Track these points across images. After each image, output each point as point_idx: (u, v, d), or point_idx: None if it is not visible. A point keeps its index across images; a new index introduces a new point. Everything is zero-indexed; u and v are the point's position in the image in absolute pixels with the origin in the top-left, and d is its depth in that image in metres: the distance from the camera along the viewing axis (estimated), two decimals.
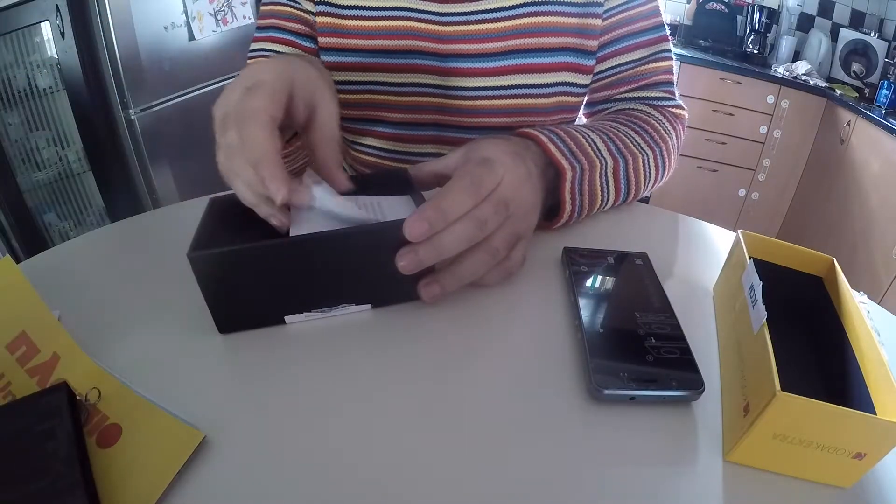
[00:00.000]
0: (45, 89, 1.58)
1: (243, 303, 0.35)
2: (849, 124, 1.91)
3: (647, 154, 0.52)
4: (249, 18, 1.92)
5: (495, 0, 0.54)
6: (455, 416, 0.31)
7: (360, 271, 0.36)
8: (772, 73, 2.17)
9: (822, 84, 2.09)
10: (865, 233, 1.81)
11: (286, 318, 0.36)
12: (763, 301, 0.31)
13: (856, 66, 2.13)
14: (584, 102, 0.62)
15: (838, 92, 2.03)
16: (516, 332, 0.38)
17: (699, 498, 0.27)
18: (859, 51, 2.13)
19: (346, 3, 0.56)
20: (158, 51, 1.65)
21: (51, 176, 1.66)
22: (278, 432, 0.30)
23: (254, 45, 0.61)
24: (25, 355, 0.30)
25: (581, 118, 0.65)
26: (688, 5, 2.48)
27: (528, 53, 0.55)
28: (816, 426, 0.26)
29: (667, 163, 0.55)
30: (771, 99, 2.14)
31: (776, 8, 2.31)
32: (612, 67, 0.59)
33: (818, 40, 2.23)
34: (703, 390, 0.32)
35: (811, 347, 0.37)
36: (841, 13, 2.28)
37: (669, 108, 0.59)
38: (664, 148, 0.54)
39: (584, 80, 0.58)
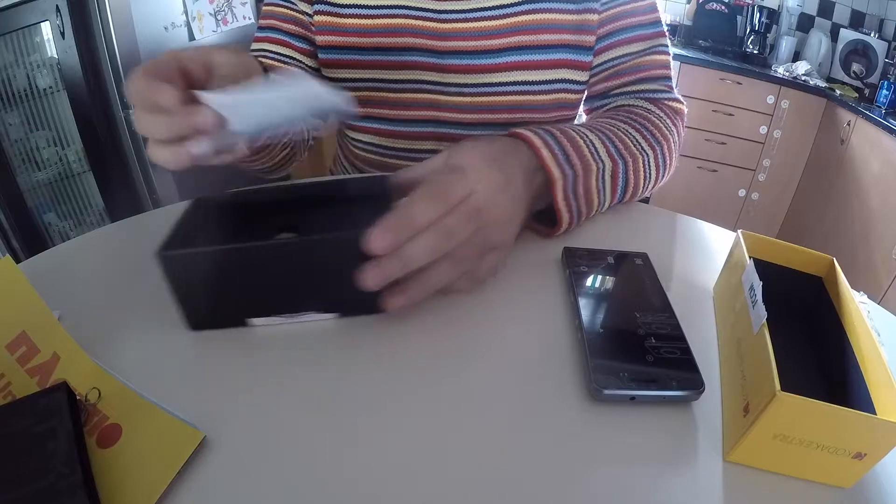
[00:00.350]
0: (45, 89, 1.57)
1: (209, 303, 0.36)
2: (849, 124, 1.91)
3: (647, 154, 0.51)
4: (249, 19, 1.91)
5: None
6: (455, 415, 0.31)
7: (323, 280, 0.35)
8: (772, 73, 2.17)
9: (822, 84, 2.09)
10: (865, 233, 1.81)
11: (250, 320, 0.36)
12: (763, 301, 0.31)
13: (856, 67, 2.13)
14: (584, 98, 0.62)
15: (838, 92, 2.03)
16: (516, 332, 0.38)
17: (699, 498, 0.27)
18: (859, 51, 2.13)
19: (344, 1, 0.56)
20: (158, 51, 1.61)
21: (51, 176, 1.66)
22: (279, 432, 0.30)
23: (254, 45, 0.61)
24: (25, 355, 0.30)
25: (582, 115, 0.65)
26: (688, 5, 2.48)
27: (526, 50, 0.55)
28: (816, 426, 0.26)
29: (668, 161, 0.55)
30: (771, 99, 2.14)
31: (776, 8, 2.31)
32: (610, 60, 0.58)
33: (818, 40, 2.23)
34: (703, 390, 0.32)
35: (811, 347, 0.37)
36: (841, 13, 2.28)
37: (669, 103, 0.59)
38: (665, 146, 0.54)
39: (582, 76, 0.58)
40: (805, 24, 2.34)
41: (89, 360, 0.32)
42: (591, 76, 0.59)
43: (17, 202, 1.59)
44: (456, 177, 0.37)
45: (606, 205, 0.50)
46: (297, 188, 0.43)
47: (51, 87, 1.58)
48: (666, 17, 2.48)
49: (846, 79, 2.17)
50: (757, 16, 2.29)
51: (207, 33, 1.79)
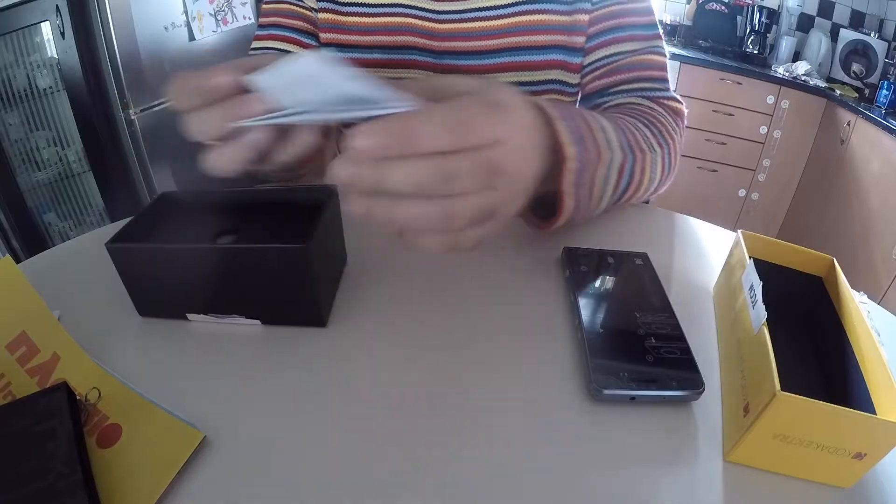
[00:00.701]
0: (45, 89, 1.58)
1: (151, 294, 0.37)
2: (849, 124, 1.91)
3: (655, 152, 0.49)
4: (249, 19, 1.92)
5: None
6: (455, 415, 0.31)
7: (248, 286, 0.36)
8: (772, 73, 2.17)
9: (822, 84, 2.09)
10: (865, 233, 1.81)
11: (188, 315, 0.37)
12: (763, 301, 0.31)
13: (856, 67, 2.13)
14: (579, 98, 0.62)
15: (838, 92, 2.03)
16: (516, 331, 0.38)
17: (699, 498, 0.27)
18: (859, 51, 2.13)
19: None
20: (158, 51, 1.64)
21: (51, 176, 1.66)
22: (278, 432, 0.30)
23: (255, 44, 0.61)
24: (25, 355, 0.30)
25: None
26: (688, 5, 2.48)
27: (520, 51, 0.56)
28: (816, 426, 0.26)
29: (672, 164, 0.54)
30: (771, 99, 2.14)
31: (776, 8, 2.31)
32: (604, 57, 0.58)
33: (818, 40, 2.23)
34: (703, 390, 0.32)
35: (811, 347, 0.37)
36: (841, 13, 2.28)
37: (669, 103, 0.58)
38: (672, 146, 0.53)
39: (573, 79, 0.58)
40: (805, 24, 2.34)
41: (89, 360, 0.32)
42: (585, 74, 0.59)
43: (17, 202, 1.59)
44: (491, 111, 0.29)
45: (605, 200, 0.46)
46: (254, 193, 0.42)
47: (51, 87, 1.59)
48: (666, 18, 2.48)
49: (846, 79, 2.17)
50: (757, 16, 2.29)
51: (207, 33, 1.79)
